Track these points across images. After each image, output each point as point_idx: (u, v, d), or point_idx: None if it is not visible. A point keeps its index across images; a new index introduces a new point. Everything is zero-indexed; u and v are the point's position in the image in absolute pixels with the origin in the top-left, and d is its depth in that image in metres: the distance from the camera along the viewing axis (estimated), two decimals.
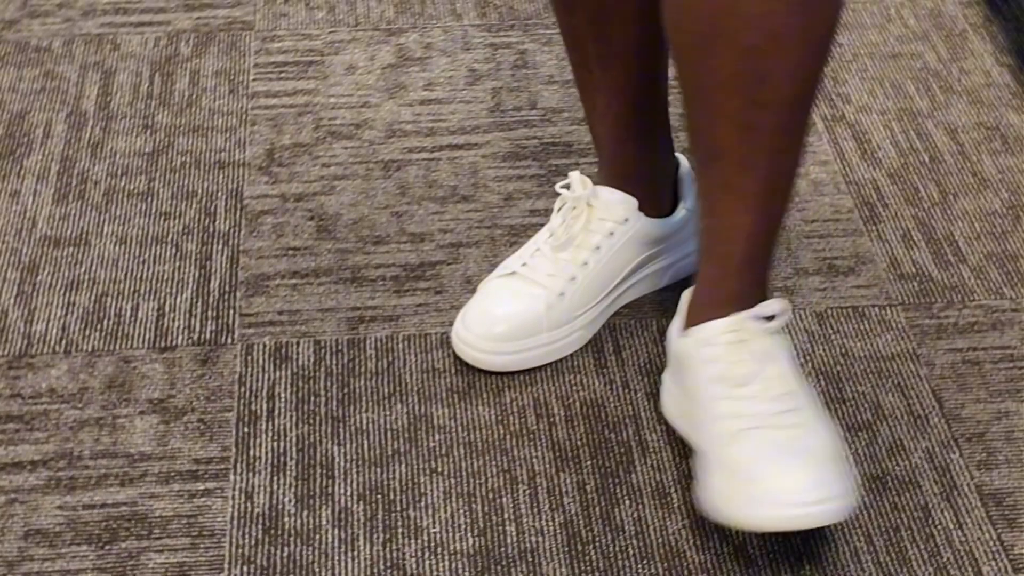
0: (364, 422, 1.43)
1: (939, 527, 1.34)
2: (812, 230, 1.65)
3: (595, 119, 1.47)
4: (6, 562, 1.30)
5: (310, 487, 1.37)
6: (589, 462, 1.39)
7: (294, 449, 1.40)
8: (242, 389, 1.46)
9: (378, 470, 1.38)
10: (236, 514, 1.35)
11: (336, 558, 1.31)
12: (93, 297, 1.56)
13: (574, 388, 1.46)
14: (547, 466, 1.39)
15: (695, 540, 1.32)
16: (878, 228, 1.65)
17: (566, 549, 1.32)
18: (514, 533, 1.33)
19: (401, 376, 1.48)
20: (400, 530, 1.33)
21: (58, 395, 1.46)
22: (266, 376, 1.48)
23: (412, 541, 1.32)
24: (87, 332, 1.52)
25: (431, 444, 1.41)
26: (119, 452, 1.40)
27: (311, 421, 1.43)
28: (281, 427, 1.43)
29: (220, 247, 1.62)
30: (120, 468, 1.38)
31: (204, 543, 1.32)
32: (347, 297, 1.56)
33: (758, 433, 1.25)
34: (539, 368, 1.48)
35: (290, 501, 1.36)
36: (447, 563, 1.30)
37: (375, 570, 1.30)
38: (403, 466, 1.39)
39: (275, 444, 1.41)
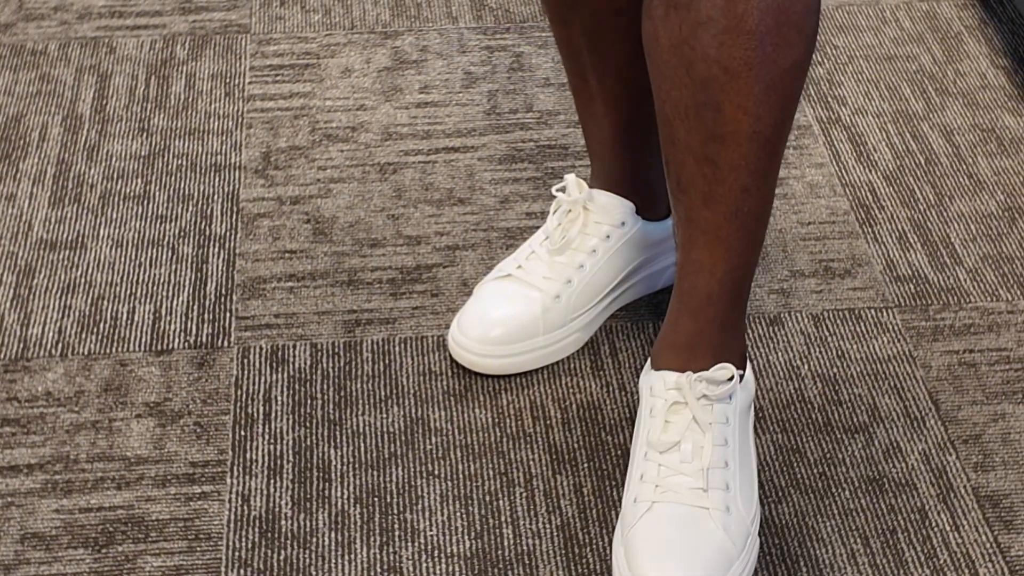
0: (361, 425, 1.43)
1: (936, 529, 1.34)
2: (808, 232, 1.65)
3: (591, 126, 1.47)
4: (3, 566, 1.30)
5: (307, 490, 1.37)
6: (586, 465, 1.39)
7: (291, 452, 1.40)
8: (238, 392, 1.46)
9: (375, 473, 1.38)
10: (233, 517, 1.35)
11: (333, 561, 1.31)
12: (89, 300, 1.56)
13: (570, 391, 1.46)
14: (544, 469, 1.39)
15: None
16: (874, 230, 1.65)
17: (563, 552, 1.32)
18: (511, 536, 1.33)
19: (398, 379, 1.48)
20: (397, 533, 1.33)
21: (54, 398, 1.45)
22: (263, 379, 1.48)
23: (409, 544, 1.32)
24: (83, 335, 1.52)
25: (428, 447, 1.41)
26: (115, 455, 1.40)
27: (308, 424, 1.43)
28: (278, 430, 1.42)
29: (216, 250, 1.62)
30: (116, 471, 1.38)
31: (201, 546, 1.32)
32: (343, 300, 1.56)
33: (659, 511, 1.25)
34: (535, 371, 1.48)
35: (287, 504, 1.36)
36: (444, 566, 1.30)
37: (372, 573, 1.30)
38: (400, 469, 1.39)
39: (272, 447, 1.41)
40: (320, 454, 1.40)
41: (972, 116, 1.81)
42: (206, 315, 1.54)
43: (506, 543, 1.32)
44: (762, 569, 1.30)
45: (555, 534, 1.33)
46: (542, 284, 1.46)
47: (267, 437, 1.42)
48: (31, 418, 1.44)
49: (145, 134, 1.78)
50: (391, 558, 1.31)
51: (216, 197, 1.69)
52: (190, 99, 1.83)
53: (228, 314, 1.55)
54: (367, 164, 1.74)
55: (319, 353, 1.50)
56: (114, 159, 1.74)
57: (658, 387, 1.30)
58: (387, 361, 1.49)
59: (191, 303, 1.56)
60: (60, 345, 1.51)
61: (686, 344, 1.30)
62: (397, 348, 1.51)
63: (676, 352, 1.31)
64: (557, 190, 1.49)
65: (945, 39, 1.94)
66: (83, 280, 1.59)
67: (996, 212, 1.68)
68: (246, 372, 1.48)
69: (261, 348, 1.51)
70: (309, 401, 1.45)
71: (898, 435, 1.42)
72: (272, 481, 1.38)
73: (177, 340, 1.52)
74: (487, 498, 1.36)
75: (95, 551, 1.31)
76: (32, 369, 1.49)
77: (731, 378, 1.29)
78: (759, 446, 1.41)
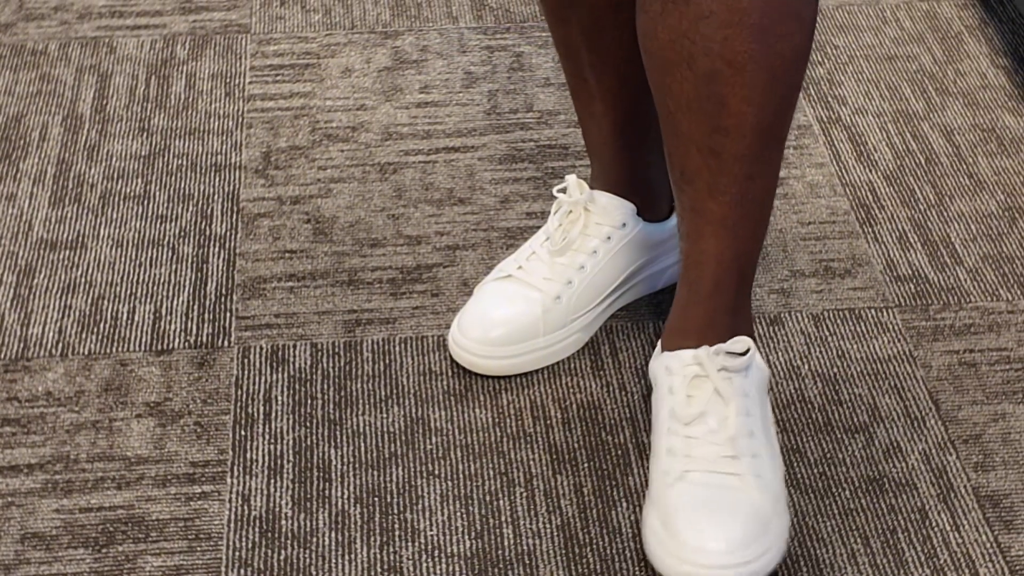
0: (361, 425, 1.43)
1: (936, 529, 1.34)
2: (808, 232, 1.65)
3: (591, 127, 1.47)
4: (3, 566, 1.30)
5: (307, 490, 1.37)
6: (586, 464, 1.39)
7: (291, 452, 1.40)
8: (239, 392, 1.46)
9: (375, 473, 1.38)
10: (233, 517, 1.35)
11: (333, 561, 1.31)
12: (89, 300, 1.56)
13: (571, 391, 1.46)
14: (544, 469, 1.39)
15: None
16: (874, 230, 1.65)
17: (563, 552, 1.32)
18: (511, 536, 1.33)
19: (398, 379, 1.48)
20: (397, 533, 1.33)
21: (54, 398, 1.45)
22: (263, 379, 1.48)
23: (409, 544, 1.32)
24: (83, 335, 1.52)
25: (428, 447, 1.41)
26: (116, 455, 1.40)
27: (308, 424, 1.43)
28: (278, 430, 1.42)
29: (216, 250, 1.62)
30: (117, 471, 1.38)
31: (201, 546, 1.32)
32: (344, 300, 1.56)
33: (692, 478, 1.26)
34: (536, 371, 1.48)
35: (287, 504, 1.36)
36: (444, 566, 1.30)
37: (372, 573, 1.30)
38: (400, 469, 1.39)
39: (272, 447, 1.41)
40: (320, 454, 1.40)
41: (972, 116, 1.81)
42: (206, 315, 1.54)
43: (506, 543, 1.32)
44: None
45: (555, 534, 1.33)
46: (543, 285, 1.47)
47: (267, 437, 1.42)
48: (31, 418, 1.44)
49: (145, 134, 1.78)
50: (391, 558, 1.31)
51: (216, 197, 1.69)
52: (190, 99, 1.84)
53: (228, 314, 1.55)
54: (367, 164, 1.74)
55: (319, 353, 1.50)
56: (114, 159, 1.75)
57: (675, 365, 1.31)
58: (387, 361, 1.49)
59: (191, 303, 1.56)
60: (60, 345, 1.51)
61: (697, 328, 1.31)
62: (397, 348, 1.51)
63: (687, 335, 1.32)
64: (558, 191, 1.49)
65: (945, 39, 1.94)
66: (83, 280, 1.59)
67: (996, 212, 1.68)
68: (246, 372, 1.48)
69: (261, 348, 1.51)
70: (309, 401, 1.45)
71: (898, 435, 1.42)
72: (272, 481, 1.38)
73: (177, 340, 1.52)
74: (487, 498, 1.36)
75: (95, 551, 1.31)
76: (32, 369, 1.49)
77: (747, 351, 1.30)
78: None
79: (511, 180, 1.72)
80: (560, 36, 1.42)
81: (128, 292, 1.57)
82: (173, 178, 1.72)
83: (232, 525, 1.34)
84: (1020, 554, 1.32)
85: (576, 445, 1.41)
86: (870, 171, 1.73)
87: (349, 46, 1.93)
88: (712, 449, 1.27)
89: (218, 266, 1.60)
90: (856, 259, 1.61)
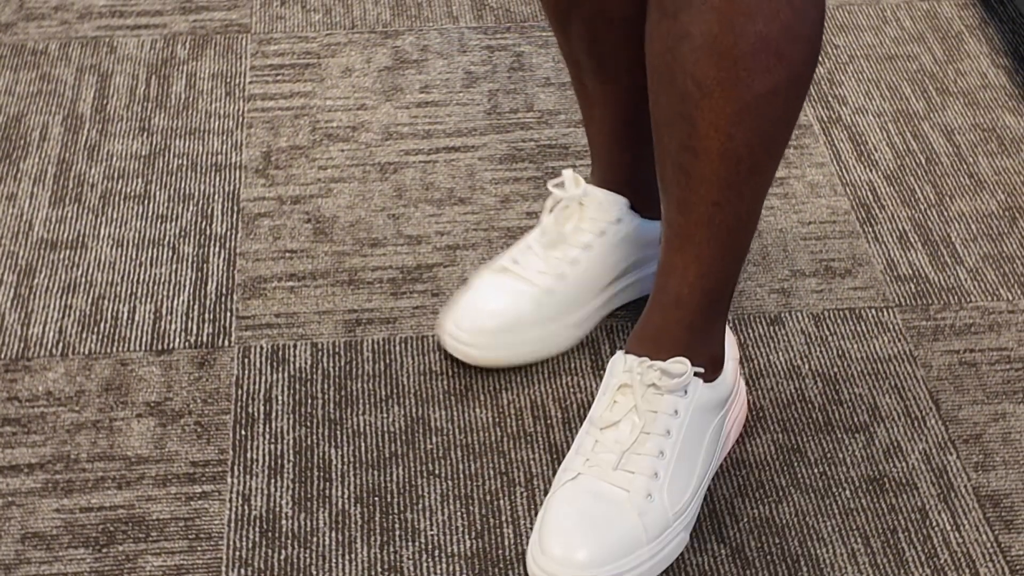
0: (361, 424, 1.43)
1: (936, 529, 1.34)
2: (809, 232, 1.65)
3: (592, 126, 1.47)
4: (3, 565, 1.30)
5: (307, 490, 1.37)
6: None
7: (291, 452, 1.40)
8: (239, 392, 1.46)
9: (375, 472, 1.38)
10: (233, 517, 1.35)
11: (334, 560, 1.31)
12: (90, 300, 1.56)
13: (571, 390, 1.46)
14: (544, 468, 1.39)
15: (692, 542, 1.32)
16: (875, 230, 1.65)
17: None
18: (511, 535, 1.33)
19: (398, 378, 1.48)
20: (398, 533, 1.33)
21: (55, 398, 1.45)
22: (263, 379, 1.48)
23: (410, 544, 1.32)
24: (84, 335, 1.52)
25: (428, 446, 1.41)
26: (116, 455, 1.40)
27: (308, 424, 1.43)
28: (278, 430, 1.42)
29: (217, 250, 1.62)
30: (117, 471, 1.38)
31: (201, 546, 1.32)
32: (344, 300, 1.56)
33: (582, 482, 1.27)
34: (535, 370, 1.48)
35: (287, 504, 1.36)
36: (445, 566, 1.30)
37: (373, 573, 1.30)
38: (400, 468, 1.39)
39: (272, 447, 1.41)
40: (321, 454, 1.40)
41: (973, 116, 1.81)
42: (207, 315, 1.54)
43: (507, 543, 1.32)
44: (763, 568, 1.30)
45: None
46: (536, 278, 1.46)
47: (268, 437, 1.42)
48: (32, 418, 1.44)
49: (146, 134, 1.78)
50: (392, 558, 1.31)
51: (217, 197, 1.69)
52: (191, 99, 1.83)
53: (229, 314, 1.55)
54: (368, 164, 1.74)
55: (320, 353, 1.50)
56: (115, 159, 1.74)
57: (616, 368, 1.32)
58: (388, 361, 1.49)
59: (192, 303, 1.56)
60: (61, 345, 1.51)
61: (651, 337, 1.31)
62: (398, 348, 1.51)
63: (641, 342, 1.32)
64: (554, 185, 1.49)
65: (946, 38, 1.94)
66: (83, 280, 1.59)
67: (997, 212, 1.68)
68: (247, 372, 1.48)
69: (262, 348, 1.51)
70: (309, 401, 1.45)
71: (899, 435, 1.42)
72: (273, 481, 1.38)
73: (178, 340, 1.52)
74: (488, 497, 1.36)
75: (96, 551, 1.31)
76: (33, 369, 1.49)
77: (684, 373, 1.29)
78: (759, 446, 1.41)
79: (511, 180, 1.72)
80: (561, 42, 1.43)
81: (128, 292, 1.57)
82: (173, 178, 1.72)
83: (232, 525, 1.34)
84: (1020, 554, 1.32)
85: None
86: (870, 171, 1.73)
87: (349, 46, 1.93)
88: (611, 458, 1.28)
89: (218, 266, 1.60)
90: (856, 259, 1.61)
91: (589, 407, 1.44)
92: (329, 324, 1.53)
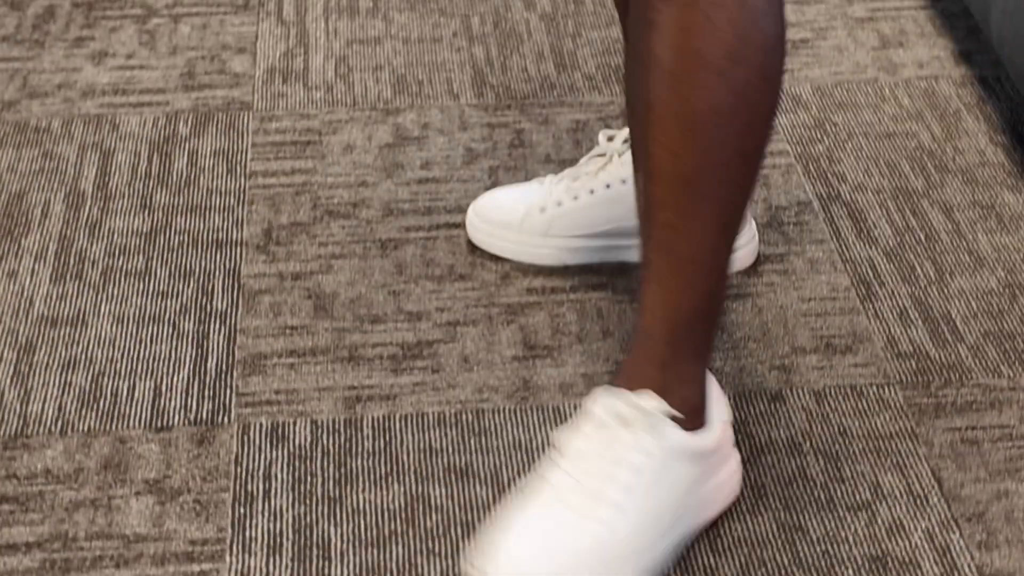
0: (361, 502, 1.42)
1: None
2: (809, 308, 1.65)
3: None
4: None
5: (306, 568, 1.36)
6: None
7: (290, 530, 1.40)
8: (238, 469, 1.46)
9: (375, 551, 1.37)
10: None
11: None
12: (90, 377, 1.56)
13: None
14: None
15: None
16: (875, 306, 1.65)
17: None
18: None
19: (398, 456, 1.47)
20: None
21: (53, 476, 1.45)
22: (263, 456, 1.47)
23: None
24: (83, 412, 1.52)
25: (428, 524, 1.40)
26: (114, 533, 1.39)
27: (308, 501, 1.42)
28: (277, 507, 1.42)
29: (217, 326, 1.62)
30: (115, 550, 1.38)
31: None
32: (344, 376, 1.56)
33: (541, 499, 1.28)
34: (536, 446, 1.47)
35: None
36: None
37: None
38: (400, 547, 1.38)
39: (271, 525, 1.40)
40: (320, 532, 1.39)
41: (972, 193, 1.82)
42: (206, 391, 1.54)
43: None
44: None
45: None
46: (539, 193, 1.67)
47: (267, 515, 1.41)
48: (30, 495, 1.43)
49: (147, 210, 1.79)
50: None
51: (217, 273, 1.69)
52: (192, 175, 1.84)
53: (228, 390, 1.54)
54: (368, 240, 1.74)
55: (319, 430, 1.50)
56: (116, 235, 1.75)
57: (589, 402, 1.33)
58: (387, 438, 1.49)
59: (191, 379, 1.55)
60: (60, 422, 1.51)
61: (628, 371, 1.32)
62: (398, 424, 1.50)
63: (620, 375, 1.32)
64: (607, 135, 1.66)
65: (944, 116, 1.95)
66: (83, 356, 1.58)
67: (997, 288, 1.68)
68: (246, 449, 1.48)
69: (261, 424, 1.50)
70: (309, 478, 1.45)
71: (901, 512, 1.41)
72: (271, 559, 1.37)
73: (177, 417, 1.51)
74: None
75: None
76: (31, 446, 1.48)
77: (651, 409, 1.28)
78: (761, 524, 1.40)
79: None
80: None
81: (128, 369, 1.57)
82: (174, 254, 1.72)
83: None
84: None
85: None
86: (870, 247, 1.73)
87: (351, 123, 1.94)
88: (567, 479, 1.28)
89: (219, 342, 1.60)
90: (857, 335, 1.61)
91: None
92: (329, 401, 1.53)
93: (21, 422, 1.51)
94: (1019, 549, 1.38)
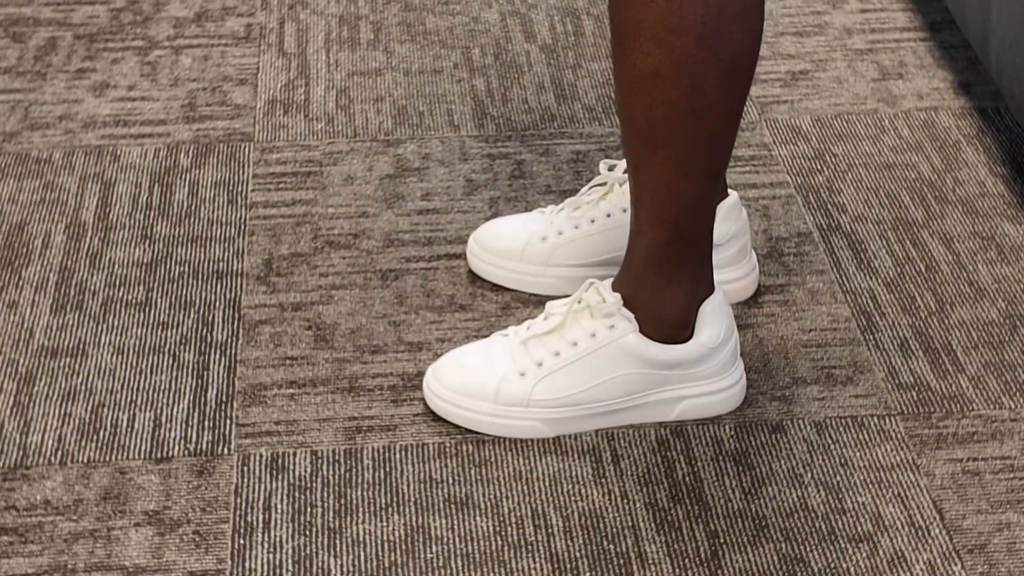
0: (361, 533, 1.42)
1: None
2: (809, 339, 1.65)
3: None
4: None
5: None
6: (588, 573, 1.38)
7: (290, 561, 1.39)
8: (238, 500, 1.45)
9: None
10: None
11: None
12: (89, 408, 1.56)
13: (572, 499, 1.45)
14: None
15: None
16: (875, 337, 1.65)
17: None
18: None
19: (398, 486, 1.47)
20: None
21: (53, 507, 1.45)
22: (263, 487, 1.47)
23: None
24: (83, 443, 1.51)
25: (428, 555, 1.40)
26: (114, 565, 1.39)
27: (307, 532, 1.42)
28: (277, 539, 1.41)
29: (217, 357, 1.62)
30: None
31: None
32: (344, 407, 1.56)
33: (489, 338, 1.53)
34: (536, 477, 1.47)
35: None
36: None
37: None
38: None
39: (271, 556, 1.40)
40: (320, 563, 1.39)
41: (972, 224, 1.82)
42: (206, 422, 1.54)
43: None
44: None
45: None
46: (540, 222, 1.68)
47: (266, 546, 1.41)
48: (29, 527, 1.42)
49: (148, 241, 1.79)
50: None
51: (218, 304, 1.69)
52: (193, 206, 1.84)
53: (228, 421, 1.54)
54: (369, 271, 1.74)
55: (319, 460, 1.50)
56: (116, 266, 1.75)
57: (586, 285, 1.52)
58: (388, 468, 1.49)
59: (191, 410, 1.55)
60: (59, 453, 1.50)
61: (617, 276, 1.50)
62: (398, 455, 1.50)
63: (617, 276, 1.50)
64: (608, 164, 1.67)
65: (943, 147, 1.95)
66: (83, 387, 1.58)
67: (998, 320, 1.68)
68: (246, 480, 1.47)
69: (261, 456, 1.50)
70: (309, 509, 1.44)
71: (902, 544, 1.41)
72: None
73: (177, 448, 1.51)
74: None
75: None
76: (31, 477, 1.48)
77: (608, 301, 1.47)
78: (762, 555, 1.40)
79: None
80: None
81: (128, 400, 1.57)
82: (175, 285, 1.72)
83: None
84: None
85: (578, 554, 1.40)
86: (871, 278, 1.73)
87: (351, 154, 1.94)
88: (525, 328, 1.52)
89: (219, 373, 1.60)
90: (858, 366, 1.61)
91: (591, 515, 1.44)
92: (329, 432, 1.53)
93: (21, 453, 1.51)
94: None
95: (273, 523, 1.43)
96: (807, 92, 2.06)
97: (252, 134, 1.98)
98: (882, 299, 1.71)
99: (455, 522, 1.43)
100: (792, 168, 1.91)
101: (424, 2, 2.25)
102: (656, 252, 1.45)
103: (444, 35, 2.17)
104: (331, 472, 1.48)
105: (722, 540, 1.41)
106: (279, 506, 1.45)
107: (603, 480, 1.47)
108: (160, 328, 1.66)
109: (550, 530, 1.42)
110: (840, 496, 1.46)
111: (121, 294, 1.71)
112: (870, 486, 1.47)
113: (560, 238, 1.67)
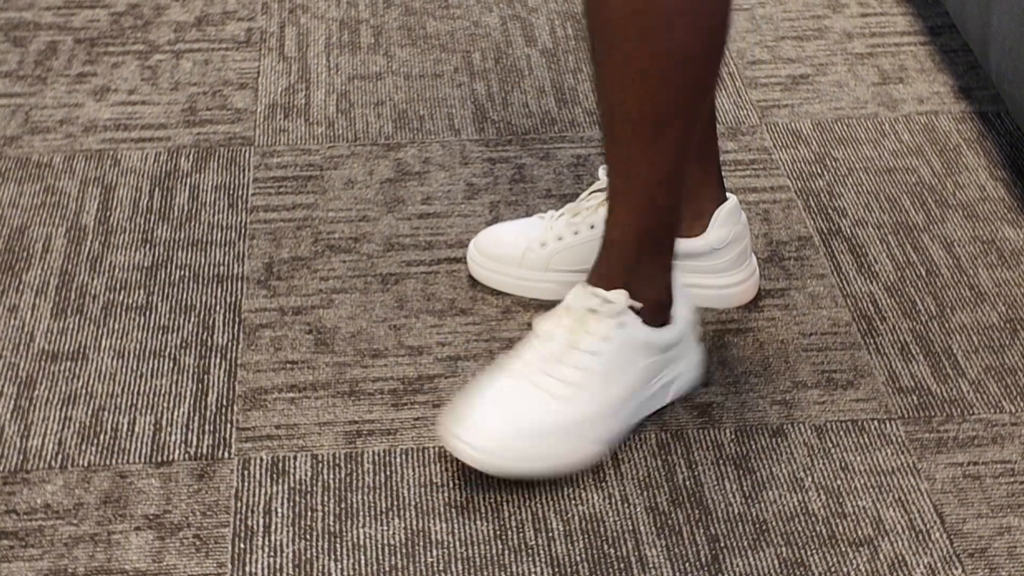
0: (361, 537, 1.42)
1: None
2: (810, 343, 1.65)
3: None
4: None
5: None
6: None
7: (291, 565, 1.39)
8: (239, 504, 1.45)
9: None
10: None
11: None
12: (90, 411, 1.56)
13: (573, 503, 1.45)
14: None
15: None
16: (876, 341, 1.65)
17: None
18: None
19: (399, 490, 1.47)
20: None
21: (53, 511, 1.45)
22: (263, 491, 1.47)
23: None
24: (83, 447, 1.51)
25: (429, 559, 1.40)
26: (114, 569, 1.39)
27: (308, 536, 1.42)
28: (278, 543, 1.41)
29: (218, 361, 1.62)
30: None
31: None
32: (345, 411, 1.56)
33: (510, 368, 1.47)
34: (537, 482, 1.47)
35: None
36: None
37: None
38: None
39: (271, 560, 1.40)
40: (320, 567, 1.39)
41: (972, 228, 1.82)
42: (207, 426, 1.54)
43: None
44: None
45: None
46: (540, 228, 1.68)
47: (267, 550, 1.41)
48: (29, 531, 1.42)
49: (148, 245, 1.79)
50: None
51: (218, 308, 1.69)
52: (193, 210, 1.84)
53: (229, 425, 1.54)
54: (369, 275, 1.74)
55: (320, 464, 1.49)
56: (117, 270, 1.75)
57: (571, 291, 1.50)
58: (388, 472, 1.49)
59: (192, 414, 1.55)
60: (60, 457, 1.50)
61: (599, 273, 1.49)
62: (398, 459, 1.50)
63: (591, 276, 1.50)
64: (607, 172, 1.66)
65: (944, 152, 1.95)
66: (84, 391, 1.58)
67: (998, 324, 1.68)
68: (246, 484, 1.47)
69: (262, 459, 1.50)
70: (309, 513, 1.44)
71: (903, 548, 1.41)
72: None
73: (177, 451, 1.51)
74: None
75: None
76: (31, 481, 1.48)
77: (617, 302, 1.46)
78: (763, 559, 1.40)
79: None
80: None
81: (129, 403, 1.57)
82: (175, 289, 1.72)
83: None
84: None
85: (578, 558, 1.40)
86: (871, 282, 1.73)
87: (352, 158, 1.94)
88: (536, 357, 1.46)
89: (219, 377, 1.60)
90: (858, 370, 1.61)
91: (591, 519, 1.43)
92: (329, 436, 1.53)
93: (21, 457, 1.51)
94: None
95: (273, 527, 1.43)
96: (807, 96, 2.06)
97: (253, 138, 1.98)
98: (883, 303, 1.71)
99: (455, 526, 1.43)
100: (792, 172, 1.91)
101: (425, 6, 2.25)
102: (650, 238, 1.46)
103: (445, 39, 2.17)
104: (331, 476, 1.48)
105: (722, 544, 1.41)
106: (279, 510, 1.45)
107: (603, 484, 1.47)
108: (160, 332, 1.66)
109: (551, 534, 1.42)
110: (841, 500, 1.46)
111: (121, 298, 1.71)
112: (871, 490, 1.47)
113: (560, 243, 1.67)
